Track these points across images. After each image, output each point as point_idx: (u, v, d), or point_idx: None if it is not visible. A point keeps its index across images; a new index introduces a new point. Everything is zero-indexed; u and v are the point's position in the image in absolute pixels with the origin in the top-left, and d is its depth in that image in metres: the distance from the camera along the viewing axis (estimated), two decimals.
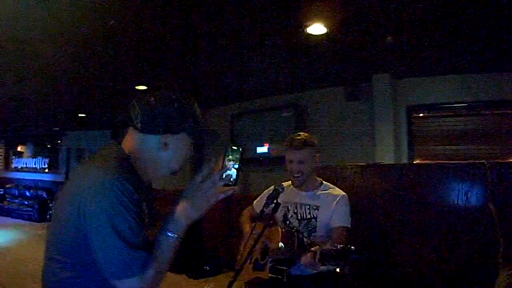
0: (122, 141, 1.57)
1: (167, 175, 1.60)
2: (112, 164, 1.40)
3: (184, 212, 1.45)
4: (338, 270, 2.01)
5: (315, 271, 2.59)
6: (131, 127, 1.53)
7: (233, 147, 1.53)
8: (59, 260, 1.40)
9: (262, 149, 6.97)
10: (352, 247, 2.00)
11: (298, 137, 2.77)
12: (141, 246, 1.34)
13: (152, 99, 1.51)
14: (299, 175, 2.76)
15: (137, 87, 6.61)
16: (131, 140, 1.53)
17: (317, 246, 2.21)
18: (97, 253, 1.33)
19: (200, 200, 1.45)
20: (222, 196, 1.47)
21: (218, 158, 1.52)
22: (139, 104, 1.51)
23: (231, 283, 1.98)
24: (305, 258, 2.23)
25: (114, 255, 1.31)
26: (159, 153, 1.52)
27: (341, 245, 2.03)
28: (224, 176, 1.47)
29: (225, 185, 1.49)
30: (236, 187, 1.50)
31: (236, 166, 1.51)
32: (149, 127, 1.49)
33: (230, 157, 1.52)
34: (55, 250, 1.43)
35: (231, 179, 1.49)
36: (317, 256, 2.09)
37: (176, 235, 1.43)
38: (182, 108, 1.53)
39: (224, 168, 1.49)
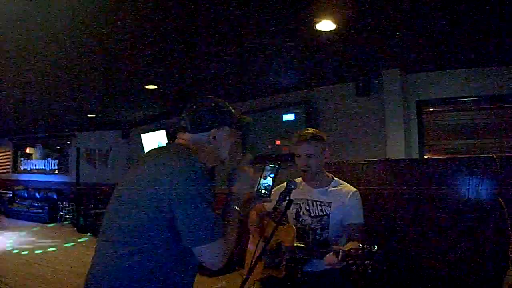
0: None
1: (218, 164, 1.94)
2: (188, 153, 1.72)
3: (238, 190, 1.86)
4: (360, 270, 2.08)
5: (327, 267, 2.64)
6: (181, 132, 1.89)
7: (270, 165, 1.95)
8: (127, 242, 1.59)
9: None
10: (375, 247, 2.08)
11: (306, 131, 2.79)
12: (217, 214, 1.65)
13: (195, 106, 1.88)
14: (307, 168, 2.75)
15: (146, 87, 6.65)
16: (185, 140, 1.86)
17: (338, 246, 2.28)
18: (187, 223, 1.57)
19: (246, 182, 1.89)
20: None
21: (257, 175, 1.94)
22: (186, 112, 1.88)
23: (244, 282, 1.99)
24: (329, 258, 2.26)
25: (205, 221, 1.58)
26: (210, 145, 1.86)
27: (366, 245, 2.10)
28: (261, 186, 1.92)
29: (261, 194, 1.92)
30: (269, 198, 1.94)
31: (272, 175, 1.93)
32: (197, 127, 1.85)
33: (267, 171, 1.94)
34: (123, 234, 1.61)
35: (267, 188, 1.92)
36: (340, 256, 2.15)
37: (238, 208, 1.82)
38: (219, 107, 1.89)
39: (261, 179, 1.93)
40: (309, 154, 2.73)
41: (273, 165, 1.93)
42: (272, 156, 6.81)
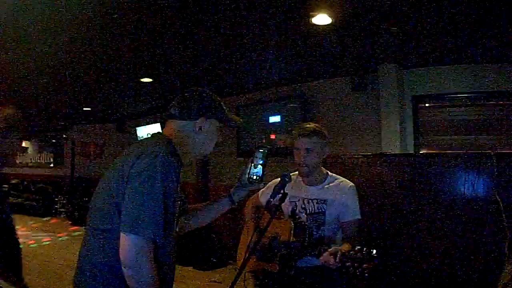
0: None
1: (200, 158, 1.93)
2: (162, 143, 1.65)
3: None
4: (358, 273, 2.06)
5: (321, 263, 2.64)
6: (169, 120, 1.86)
7: (260, 150, 1.92)
8: (100, 228, 1.59)
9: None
10: (374, 251, 2.04)
11: (308, 125, 2.72)
12: (161, 219, 1.52)
13: (187, 94, 1.87)
14: (305, 164, 2.69)
15: (142, 80, 6.62)
16: (171, 129, 1.83)
17: (336, 247, 2.25)
18: (127, 204, 1.50)
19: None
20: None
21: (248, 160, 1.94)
22: (177, 99, 1.87)
23: (238, 275, 1.96)
24: (325, 257, 2.23)
25: (141, 210, 1.48)
26: (195, 135, 1.83)
27: (366, 248, 2.06)
28: (251, 173, 1.92)
29: (252, 181, 1.92)
30: (261, 184, 1.96)
31: (261, 161, 1.91)
32: (186, 113, 1.82)
33: (257, 157, 1.91)
34: (96, 220, 1.63)
35: (258, 175, 1.91)
36: (338, 258, 2.13)
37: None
38: (210, 98, 1.88)
39: (252, 166, 1.93)
40: (309, 148, 2.66)
41: (262, 149, 1.91)
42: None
